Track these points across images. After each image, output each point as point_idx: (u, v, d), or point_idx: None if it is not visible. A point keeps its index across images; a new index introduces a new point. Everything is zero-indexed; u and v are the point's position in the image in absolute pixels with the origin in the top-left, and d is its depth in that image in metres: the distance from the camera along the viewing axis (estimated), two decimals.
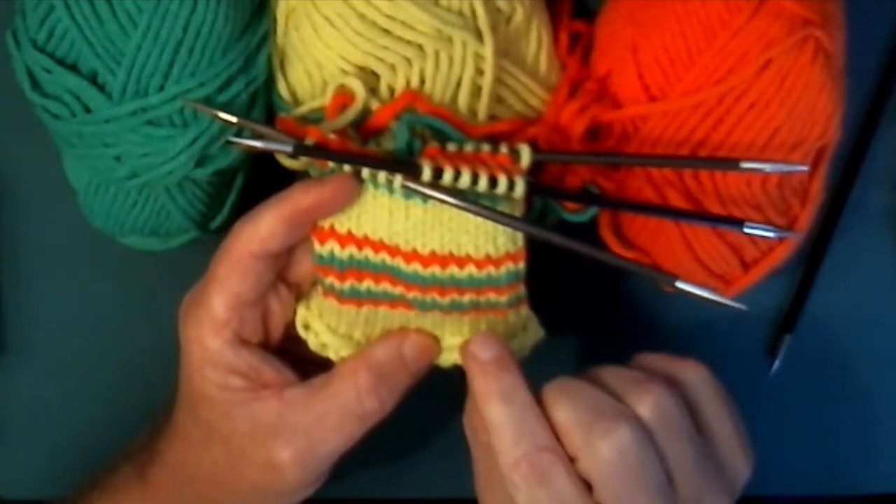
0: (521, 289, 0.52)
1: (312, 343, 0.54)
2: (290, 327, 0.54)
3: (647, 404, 0.48)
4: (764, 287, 0.56)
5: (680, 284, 0.50)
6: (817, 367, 0.62)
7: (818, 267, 0.61)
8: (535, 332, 0.53)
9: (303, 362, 0.54)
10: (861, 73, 0.58)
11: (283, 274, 0.53)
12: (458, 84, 0.52)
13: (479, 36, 0.52)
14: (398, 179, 0.50)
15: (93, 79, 0.53)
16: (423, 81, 0.52)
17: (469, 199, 0.50)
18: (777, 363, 0.62)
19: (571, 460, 0.48)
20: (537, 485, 0.48)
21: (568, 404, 0.49)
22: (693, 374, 0.51)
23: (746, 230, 0.51)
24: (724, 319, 0.61)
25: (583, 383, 0.50)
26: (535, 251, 0.52)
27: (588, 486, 0.48)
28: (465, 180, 0.50)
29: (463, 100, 0.52)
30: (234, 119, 0.52)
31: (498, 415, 0.49)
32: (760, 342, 0.62)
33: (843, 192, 0.61)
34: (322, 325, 0.54)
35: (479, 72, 0.53)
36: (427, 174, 0.50)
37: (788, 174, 0.53)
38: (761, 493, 0.63)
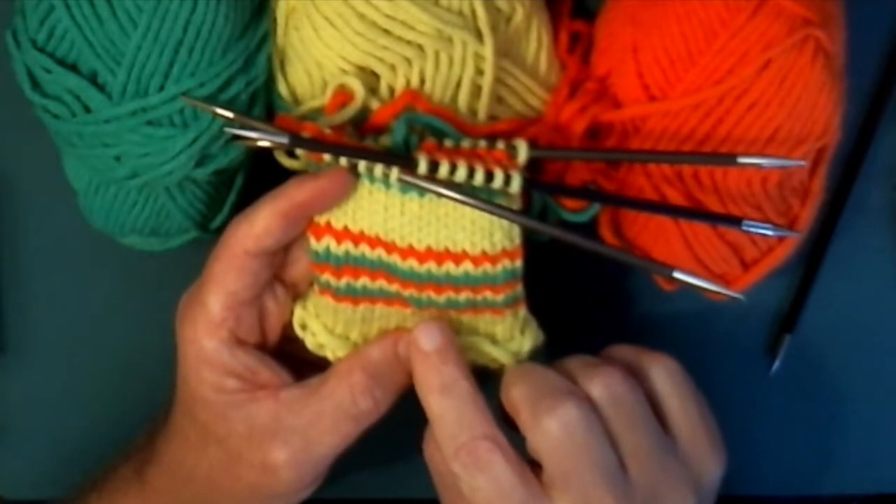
0: (519, 288, 0.52)
1: (309, 343, 0.54)
2: (287, 328, 0.54)
3: (597, 385, 0.49)
4: (764, 287, 0.56)
5: (677, 274, 0.50)
6: (817, 367, 0.62)
7: (818, 267, 0.61)
8: (533, 335, 0.53)
9: (301, 363, 0.54)
10: (861, 73, 0.58)
11: (280, 274, 0.53)
12: (458, 84, 0.52)
13: (479, 36, 0.52)
14: (394, 173, 0.50)
15: (93, 79, 0.53)
16: (423, 81, 0.52)
17: (465, 193, 0.50)
18: (777, 363, 0.62)
19: (522, 439, 0.49)
20: (476, 472, 0.48)
21: (521, 384, 0.50)
22: (659, 366, 0.51)
23: (745, 228, 0.51)
24: (724, 319, 0.61)
25: (540, 366, 0.51)
26: (534, 255, 0.52)
27: (536, 472, 0.48)
28: (461, 174, 0.50)
29: (463, 100, 0.52)
30: (230, 115, 0.52)
31: (439, 406, 0.50)
32: (760, 342, 0.62)
33: (844, 192, 0.61)
34: (319, 325, 0.53)
35: (479, 72, 0.53)
36: (423, 167, 0.50)
37: (786, 169, 0.53)
38: (761, 493, 0.63)
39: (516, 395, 0.50)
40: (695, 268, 0.54)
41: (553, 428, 0.48)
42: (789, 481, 0.63)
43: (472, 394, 0.50)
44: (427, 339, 0.51)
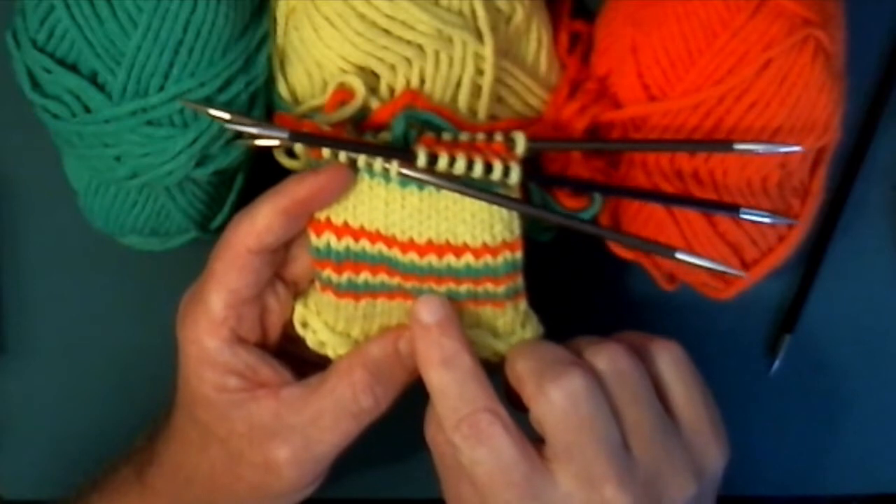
0: (519, 280, 0.52)
1: (310, 341, 0.54)
2: (288, 327, 0.54)
3: (603, 359, 0.49)
4: (764, 287, 0.56)
5: (680, 255, 0.50)
6: (817, 367, 0.62)
7: (819, 266, 0.61)
8: (534, 329, 0.53)
9: (302, 363, 0.54)
10: (861, 73, 0.58)
11: (281, 272, 0.53)
12: (458, 84, 0.52)
13: (479, 36, 0.52)
14: (394, 166, 0.50)
15: (93, 79, 0.53)
16: (423, 81, 0.52)
17: (465, 186, 0.50)
18: (777, 363, 0.62)
19: (525, 411, 0.49)
20: (477, 444, 0.48)
21: (526, 356, 0.50)
22: (665, 352, 0.51)
23: (743, 216, 0.51)
24: (724, 319, 0.61)
25: (545, 341, 0.51)
26: (534, 252, 0.52)
27: (537, 445, 0.48)
28: (460, 166, 0.50)
29: (463, 100, 0.53)
30: (227, 116, 0.52)
31: (440, 380, 0.50)
32: (760, 342, 0.62)
33: (844, 192, 0.61)
34: (320, 323, 0.54)
35: (479, 72, 0.53)
36: (422, 160, 0.50)
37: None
38: (761, 494, 0.63)
39: (521, 366, 0.50)
40: (695, 267, 0.54)
41: (558, 398, 0.47)
42: (789, 481, 0.63)
43: (473, 367, 0.50)
44: (428, 311, 0.51)
